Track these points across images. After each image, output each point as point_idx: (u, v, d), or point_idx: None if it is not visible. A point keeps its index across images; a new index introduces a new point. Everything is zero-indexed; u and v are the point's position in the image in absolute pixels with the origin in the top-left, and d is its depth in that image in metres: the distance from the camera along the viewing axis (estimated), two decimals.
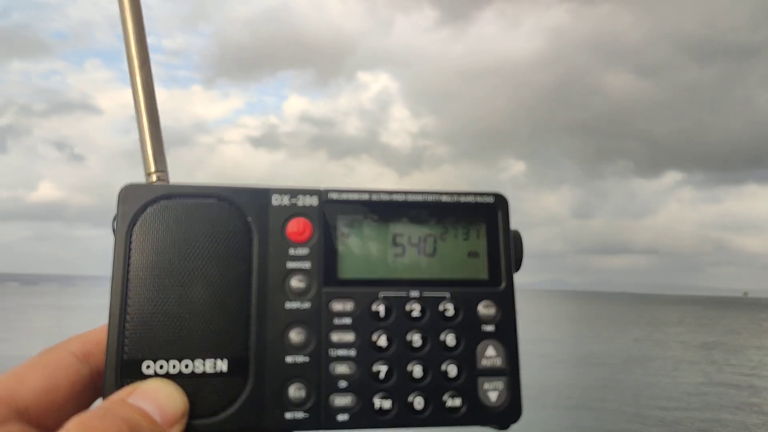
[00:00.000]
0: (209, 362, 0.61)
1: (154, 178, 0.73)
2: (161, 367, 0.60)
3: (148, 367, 0.60)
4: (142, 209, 0.63)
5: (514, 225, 0.72)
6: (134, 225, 0.63)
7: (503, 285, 0.70)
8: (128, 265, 0.62)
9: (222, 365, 0.61)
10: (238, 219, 0.65)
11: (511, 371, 0.68)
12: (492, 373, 0.67)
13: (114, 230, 0.63)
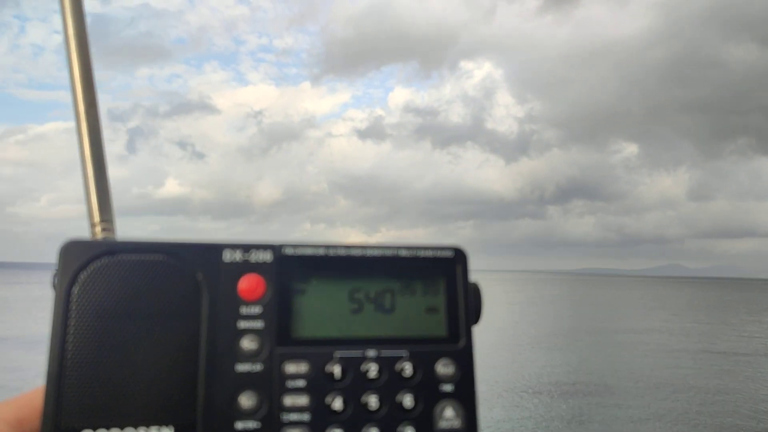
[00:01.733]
0: (153, 431, 0.59)
1: (98, 229, 0.72)
2: None
3: None
4: (84, 266, 0.61)
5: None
6: (75, 282, 0.60)
7: (462, 342, 0.68)
8: (67, 325, 0.59)
9: None
10: (187, 276, 0.62)
11: None
12: None
13: (53, 287, 0.60)
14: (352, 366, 0.64)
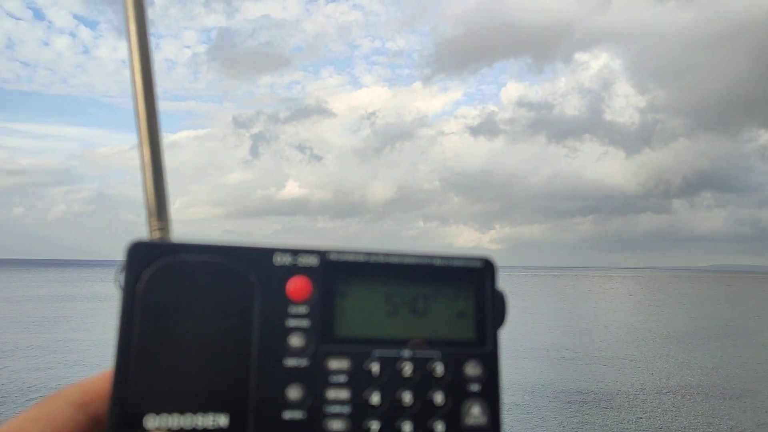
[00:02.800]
0: (210, 417, 0.63)
1: (156, 231, 0.78)
2: (163, 420, 0.63)
3: (150, 420, 0.63)
4: (147, 265, 0.65)
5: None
6: (139, 280, 0.65)
7: (489, 346, 0.72)
8: (132, 319, 0.64)
9: (222, 420, 0.64)
10: (241, 277, 0.67)
11: (493, 430, 0.70)
12: (476, 430, 0.69)
13: (119, 284, 0.65)
14: (388, 364, 0.68)
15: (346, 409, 0.66)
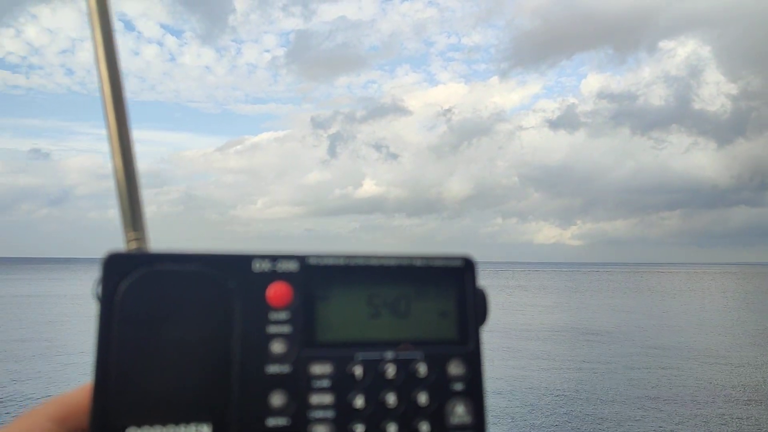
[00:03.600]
0: (192, 427, 0.63)
1: (132, 241, 0.78)
2: None
3: None
4: (125, 276, 0.65)
5: None
6: (117, 292, 0.65)
7: (471, 344, 0.71)
8: (110, 331, 0.64)
9: (205, 430, 0.63)
10: (220, 285, 0.66)
11: (478, 428, 0.69)
12: (461, 429, 0.69)
13: (97, 296, 0.65)
14: (371, 367, 0.67)
15: (330, 414, 0.65)
